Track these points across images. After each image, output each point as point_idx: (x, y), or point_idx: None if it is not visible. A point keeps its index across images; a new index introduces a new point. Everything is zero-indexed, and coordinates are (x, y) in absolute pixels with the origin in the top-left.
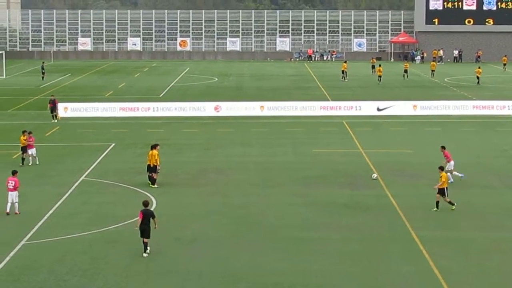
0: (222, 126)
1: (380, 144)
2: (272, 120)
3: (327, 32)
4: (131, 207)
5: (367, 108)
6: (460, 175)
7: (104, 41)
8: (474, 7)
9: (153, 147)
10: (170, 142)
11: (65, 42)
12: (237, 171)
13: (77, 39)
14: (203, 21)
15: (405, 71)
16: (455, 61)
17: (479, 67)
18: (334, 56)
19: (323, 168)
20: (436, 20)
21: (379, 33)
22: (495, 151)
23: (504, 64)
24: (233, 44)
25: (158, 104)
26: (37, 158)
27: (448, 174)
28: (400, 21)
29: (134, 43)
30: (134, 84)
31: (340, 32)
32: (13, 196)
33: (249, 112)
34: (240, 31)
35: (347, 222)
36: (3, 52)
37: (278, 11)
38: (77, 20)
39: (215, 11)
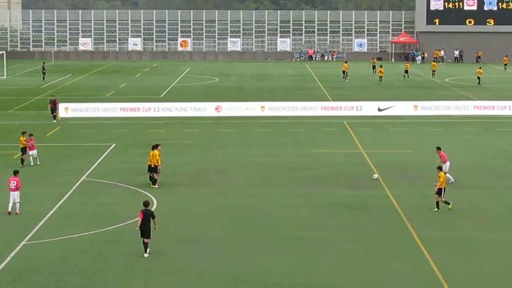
0: (223, 126)
1: (381, 144)
2: (272, 120)
3: (328, 32)
4: (132, 207)
5: (368, 108)
6: (451, 179)
7: (105, 41)
8: (475, 8)
9: (154, 147)
10: (171, 142)
11: (66, 42)
12: (237, 171)
13: (78, 39)
14: (204, 21)
15: (406, 71)
16: (456, 61)
17: (480, 68)
18: (335, 56)
19: (324, 169)
20: (437, 20)
21: (380, 33)
22: (495, 151)
23: (505, 65)
24: (234, 44)
25: (158, 104)
26: (38, 158)
27: (447, 174)
28: (401, 21)
29: (135, 43)
30: (135, 84)
31: (341, 32)
32: (15, 196)
33: (249, 112)
34: (241, 31)
35: (348, 222)
36: (4, 52)
37: (279, 11)
38: (78, 20)
39: (216, 11)
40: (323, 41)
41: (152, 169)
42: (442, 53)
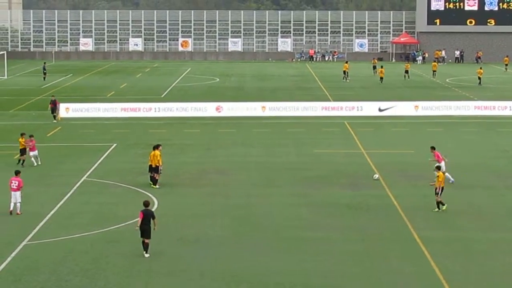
0: (224, 126)
1: (382, 144)
2: (273, 121)
3: (329, 32)
4: (133, 208)
5: (369, 108)
6: (451, 179)
7: (105, 41)
8: (475, 8)
9: (155, 147)
10: (172, 143)
11: (67, 42)
12: (238, 171)
13: (78, 40)
14: (204, 22)
15: (406, 71)
16: (457, 61)
17: (481, 68)
18: (336, 56)
19: (324, 169)
20: (437, 20)
21: (380, 33)
22: (496, 151)
23: (506, 65)
24: (235, 44)
25: (159, 104)
26: (39, 158)
27: (447, 174)
28: (402, 21)
29: (135, 44)
30: (136, 85)
31: (341, 32)
32: (16, 196)
33: (250, 112)
34: (242, 32)
35: (349, 223)
36: (5, 52)
37: (279, 12)
38: (79, 20)
39: (217, 11)
40: (324, 41)
41: (153, 169)
42: (443, 53)
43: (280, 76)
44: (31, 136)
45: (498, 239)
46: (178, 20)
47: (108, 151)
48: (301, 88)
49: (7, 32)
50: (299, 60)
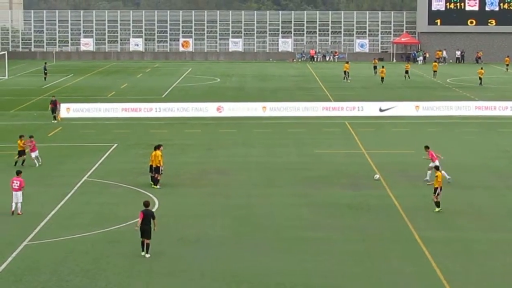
0: (224, 126)
1: (383, 144)
2: (274, 121)
3: (330, 32)
4: (133, 208)
5: (370, 108)
6: (427, 178)
7: (106, 41)
8: (476, 8)
9: (157, 147)
10: (173, 143)
11: (68, 42)
12: (239, 171)
13: (79, 40)
14: (205, 22)
15: (406, 71)
16: (458, 61)
17: (482, 68)
18: (337, 56)
19: (325, 169)
20: (438, 20)
21: (381, 33)
22: (497, 151)
23: (507, 65)
24: (236, 44)
25: (160, 104)
26: (40, 159)
27: (443, 172)
28: (403, 21)
29: (136, 44)
30: (137, 85)
31: (342, 32)
32: (17, 196)
33: (251, 112)
34: (243, 32)
35: (349, 223)
36: (6, 52)
37: (280, 12)
38: (79, 20)
39: (218, 11)
40: (324, 41)
41: (154, 170)
42: (444, 53)
43: (281, 76)
44: (31, 137)
45: (499, 240)
46: (179, 20)
47: (109, 151)
48: (302, 88)
49: (8, 32)
50: (300, 60)
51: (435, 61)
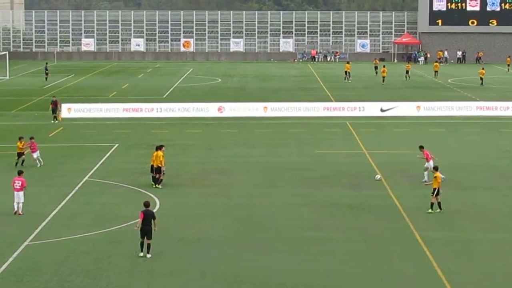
0: (226, 127)
1: (384, 145)
2: (275, 121)
3: (331, 33)
4: (135, 208)
5: (371, 109)
6: (425, 179)
7: (107, 42)
8: (477, 8)
9: (159, 148)
10: (174, 143)
11: (69, 42)
12: (240, 171)
13: (80, 40)
14: (206, 22)
15: (407, 72)
16: (459, 62)
17: (483, 68)
18: (338, 57)
19: (326, 169)
20: (439, 21)
21: (382, 34)
22: (498, 152)
23: (508, 65)
24: (237, 45)
25: (161, 104)
26: (41, 159)
27: (425, 173)
28: (404, 22)
29: (137, 44)
30: (138, 85)
31: (343, 33)
32: (19, 196)
33: (252, 113)
34: (244, 32)
35: (351, 223)
36: (7, 52)
37: (281, 12)
38: (81, 20)
39: (219, 11)
40: (325, 41)
41: (155, 170)
42: (445, 53)
43: (282, 77)
44: (31, 138)
45: (500, 240)
46: (180, 21)
47: (110, 152)
48: (303, 88)
49: (9, 33)
50: (301, 60)
51: (436, 61)
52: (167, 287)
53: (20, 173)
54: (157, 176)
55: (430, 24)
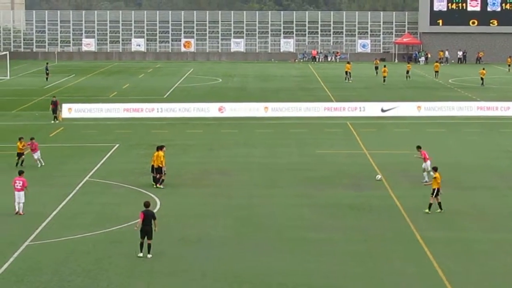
0: (226, 127)
1: (384, 145)
2: (276, 121)
3: (331, 33)
4: (135, 208)
5: (371, 109)
6: (426, 180)
7: (108, 42)
8: (478, 8)
9: (159, 148)
10: (174, 143)
11: (69, 43)
12: (241, 172)
13: (81, 40)
14: (207, 22)
15: (407, 72)
16: (459, 62)
17: (483, 69)
18: (338, 57)
19: (327, 169)
20: (440, 21)
21: (383, 34)
22: (499, 152)
23: (509, 65)
24: (237, 45)
25: (162, 105)
26: (42, 160)
27: (424, 173)
28: (404, 22)
29: (138, 44)
30: (138, 85)
31: (344, 33)
32: (20, 196)
33: (253, 113)
34: (244, 32)
35: (351, 223)
36: (7, 52)
37: (282, 12)
38: (81, 21)
39: (219, 12)
40: (326, 42)
41: (156, 170)
42: (446, 53)
43: (282, 77)
44: (32, 138)
45: (500, 240)
46: (181, 21)
47: (111, 152)
48: (303, 88)
49: (10, 33)
50: (301, 60)
51: (437, 62)
52: (168, 287)
53: (20, 173)
54: (158, 176)
55: (430, 24)
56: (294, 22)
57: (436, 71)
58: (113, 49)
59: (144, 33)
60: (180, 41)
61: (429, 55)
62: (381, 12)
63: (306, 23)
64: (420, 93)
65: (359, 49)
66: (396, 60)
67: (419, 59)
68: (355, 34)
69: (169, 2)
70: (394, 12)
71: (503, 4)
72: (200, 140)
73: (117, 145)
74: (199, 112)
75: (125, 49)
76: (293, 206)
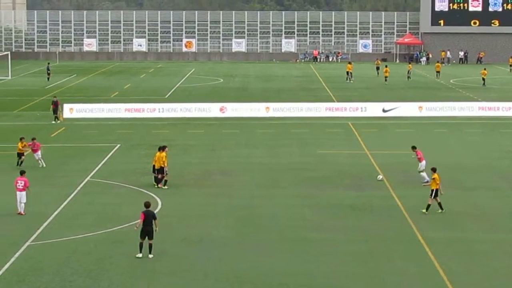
0: (228, 127)
1: (386, 145)
2: (277, 121)
3: (333, 33)
4: (136, 208)
5: (373, 109)
6: (426, 178)
7: (109, 42)
8: (479, 8)
9: (162, 149)
10: (176, 143)
11: (71, 43)
12: (242, 172)
13: (82, 40)
14: (208, 22)
15: (408, 72)
16: (461, 62)
17: (485, 69)
18: (340, 57)
19: (328, 169)
20: (441, 21)
21: (384, 34)
22: (500, 152)
23: (510, 65)
24: (239, 45)
25: (163, 105)
26: (43, 161)
27: (423, 173)
28: (406, 22)
29: (139, 44)
30: (140, 85)
31: (345, 33)
32: (21, 196)
33: (254, 113)
34: (246, 32)
35: (353, 223)
36: (9, 52)
37: (283, 12)
38: (83, 21)
39: (221, 12)
40: (327, 42)
41: (158, 170)
42: (448, 54)
43: (284, 77)
44: (33, 139)
45: (502, 240)
46: (182, 21)
47: (112, 152)
48: (305, 88)
49: (11, 33)
50: (303, 60)
51: (438, 62)
52: (169, 287)
53: (22, 173)
54: (160, 176)
55: (432, 25)
56: (296, 22)
57: (438, 71)
58: (115, 49)
59: (145, 33)
60: (181, 41)
61: (430, 55)
62: (383, 12)
63: (308, 23)
64: (421, 93)
65: (361, 49)
66: (398, 61)
67: (421, 60)
68: (357, 34)
69: (170, 2)
70: (395, 12)
71: (505, 4)
72: (201, 140)
73: (119, 145)
74: (200, 112)
75: (127, 49)
76: (294, 206)
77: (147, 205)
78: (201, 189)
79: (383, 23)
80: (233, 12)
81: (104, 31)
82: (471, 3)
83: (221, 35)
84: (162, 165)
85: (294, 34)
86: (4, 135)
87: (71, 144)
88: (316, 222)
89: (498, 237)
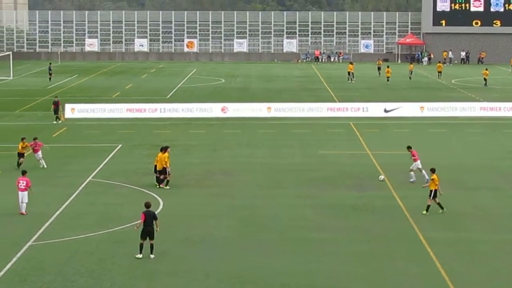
0: (229, 127)
1: (387, 145)
2: (279, 122)
3: (334, 33)
4: (138, 208)
5: (374, 109)
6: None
7: (111, 42)
8: (481, 9)
9: (164, 149)
10: (177, 143)
11: (72, 43)
12: (244, 172)
13: (84, 40)
14: (210, 22)
15: (410, 72)
16: (462, 62)
17: (486, 69)
18: (341, 57)
19: (330, 170)
20: (443, 21)
21: (386, 34)
22: (502, 152)
23: None
24: (240, 45)
25: (165, 105)
26: (44, 161)
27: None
28: (407, 22)
29: (141, 44)
30: (141, 85)
31: (347, 33)
32: (23, 196)
33: (256, 113)
34: (247, 32)
35: (354, 224)
36: (10, 53)
37: (285, 12)
38: (84, 21)
39: (222, 12)
40: (329, 42)
41: (159, 171)
42: (450, 54)
43: (285, 77)
44: (35, 138)
45: (504, 241)
46: (184, 21)
47: (114, 152)
48: (306, 89)
49: (13, 33)
50: (304, 61)
51: (440, 62)
52: (171, 287)
53: (24, 173)
54: (162, 177)
55: (433, 25)
56: (297, 23)
57: (439, 72)
58: (116, 49)
59: (147, 33)
60: (183, 41)
61: (432, 56)
62: (384, 13)
63: (309, 23)
64: (423, 93)
65: (362, 50)
66: (399, 61)
67: (422, 60)
68: (358, 35)
69: (172, 2)
70: (397, 13)
71: (506, 5)
72: (203, 140)
73: (120, 145)
74: (202, 113)
75: (128, 49)
76: (296, 206)
77: (147, 205)
78: (202, 189)
79: (384, 23)
80: (235, 12)
81: (105, 31)
82: (473, 4)
83: (222, 35)
84: (164, 166)
85: (296, 34)
86: (6, 135)
87: (73, 144)
88: (317, 222)
89: (500, 238)
